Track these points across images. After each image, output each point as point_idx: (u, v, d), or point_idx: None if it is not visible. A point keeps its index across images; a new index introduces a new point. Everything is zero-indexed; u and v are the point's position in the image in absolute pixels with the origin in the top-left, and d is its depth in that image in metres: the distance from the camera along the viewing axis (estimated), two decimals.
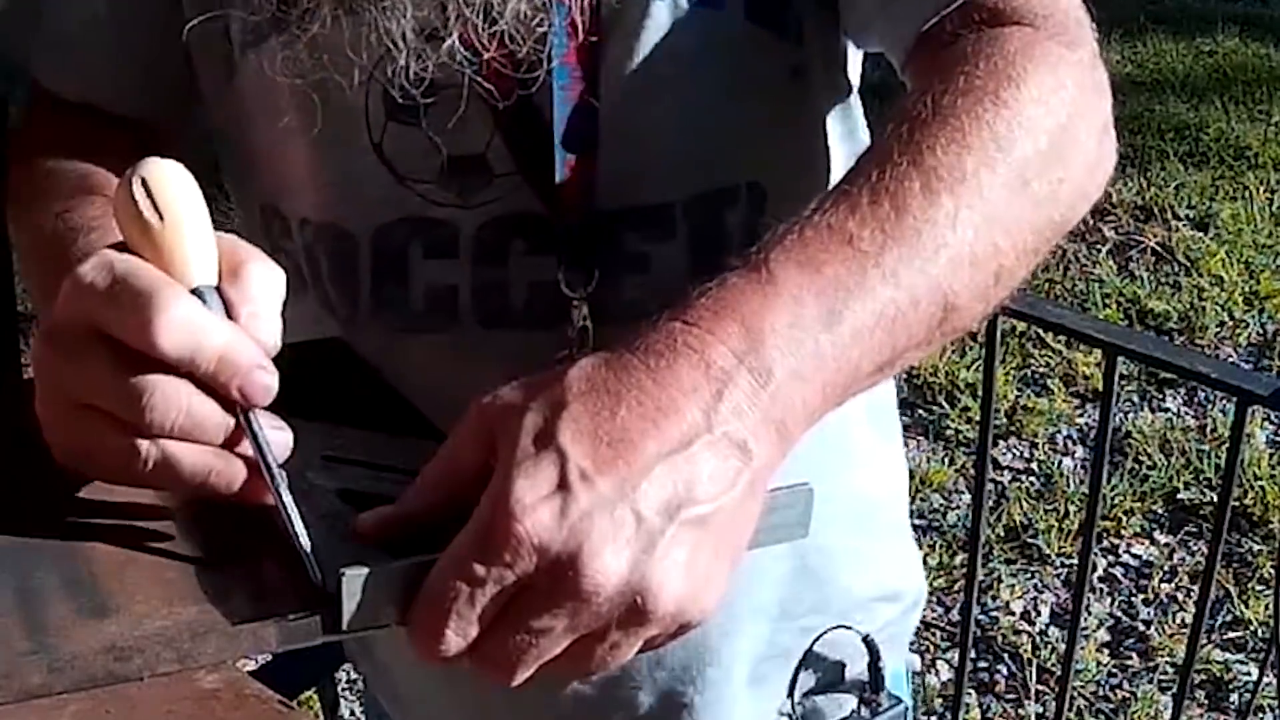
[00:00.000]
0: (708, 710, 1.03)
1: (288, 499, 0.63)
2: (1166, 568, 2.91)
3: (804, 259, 0.64)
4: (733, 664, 1.03)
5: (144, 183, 0.66)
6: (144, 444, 0.63)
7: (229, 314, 0.66)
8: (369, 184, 0.87)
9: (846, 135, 0.96)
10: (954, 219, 0.68)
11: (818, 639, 1.05)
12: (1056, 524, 3.00)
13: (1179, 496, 3.07)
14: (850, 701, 1.09)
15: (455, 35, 0.79)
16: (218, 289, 0.66)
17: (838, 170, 0.92)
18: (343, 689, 2.56)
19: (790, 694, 1.06)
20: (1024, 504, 3.07)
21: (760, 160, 0.89)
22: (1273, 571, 2.71)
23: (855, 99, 0.98)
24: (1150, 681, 2.63)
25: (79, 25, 0.93)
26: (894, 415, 1.13)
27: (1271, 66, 5.30)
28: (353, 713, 2.58)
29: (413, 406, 0.81)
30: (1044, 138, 0.74)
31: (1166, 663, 2.67)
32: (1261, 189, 4.32)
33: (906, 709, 1.09)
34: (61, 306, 0.64)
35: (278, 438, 0.65)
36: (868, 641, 1.07)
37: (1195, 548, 2.94)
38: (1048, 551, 2.93)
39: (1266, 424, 3.22)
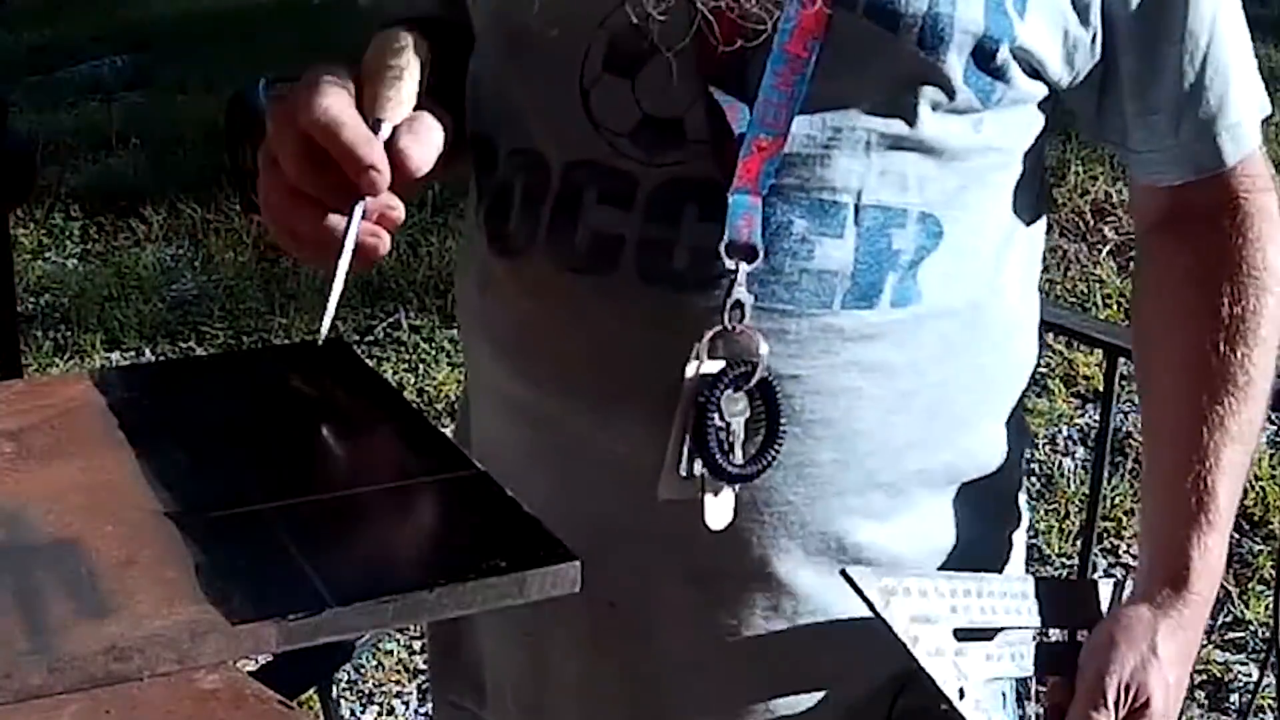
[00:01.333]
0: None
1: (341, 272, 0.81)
2: None
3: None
4: None
5: (385, 39, 0.88)
6: (333, 218, 0.82)
7: (392, 141, 0.84)
8: (571, 124, 0.93)
9: (1028, 190, 1.02)
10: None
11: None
12: (1057, 524, 3.00)
13: None
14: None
15: None
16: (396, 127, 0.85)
17: (1007, 216, 1.00)
18: (342, 689, 2.57)
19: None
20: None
21: (939, 194, 0.94)
22: (1273, 572, 2.71)
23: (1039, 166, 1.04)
24: None
25: None
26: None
27: (1271, 67, 5.30)
28: (353, 713, 2.58)
29: (411, 407, 0.81)
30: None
31: None
32: None
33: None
34: (284, 115, 0.83)
35: (367, 228, 0.83)
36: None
37: None
38: (1048, 552, 2.93)
39: (1267, 425, 3.22)
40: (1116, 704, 0.99)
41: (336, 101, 0.83)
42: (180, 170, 4.75)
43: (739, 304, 0.89)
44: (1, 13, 6.71)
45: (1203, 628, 1.04)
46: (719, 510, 0.92)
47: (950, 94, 0.91)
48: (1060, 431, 3.29)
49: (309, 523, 0.70)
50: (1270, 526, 2.98)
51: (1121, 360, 1.80)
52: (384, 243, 0.84)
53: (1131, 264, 3.95)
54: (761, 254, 0.90)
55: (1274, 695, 2.35)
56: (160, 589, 0.63)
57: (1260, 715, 2.46)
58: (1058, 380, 3.43)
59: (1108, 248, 4.05)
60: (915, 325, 0.94)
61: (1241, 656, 2.67)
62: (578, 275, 0.94)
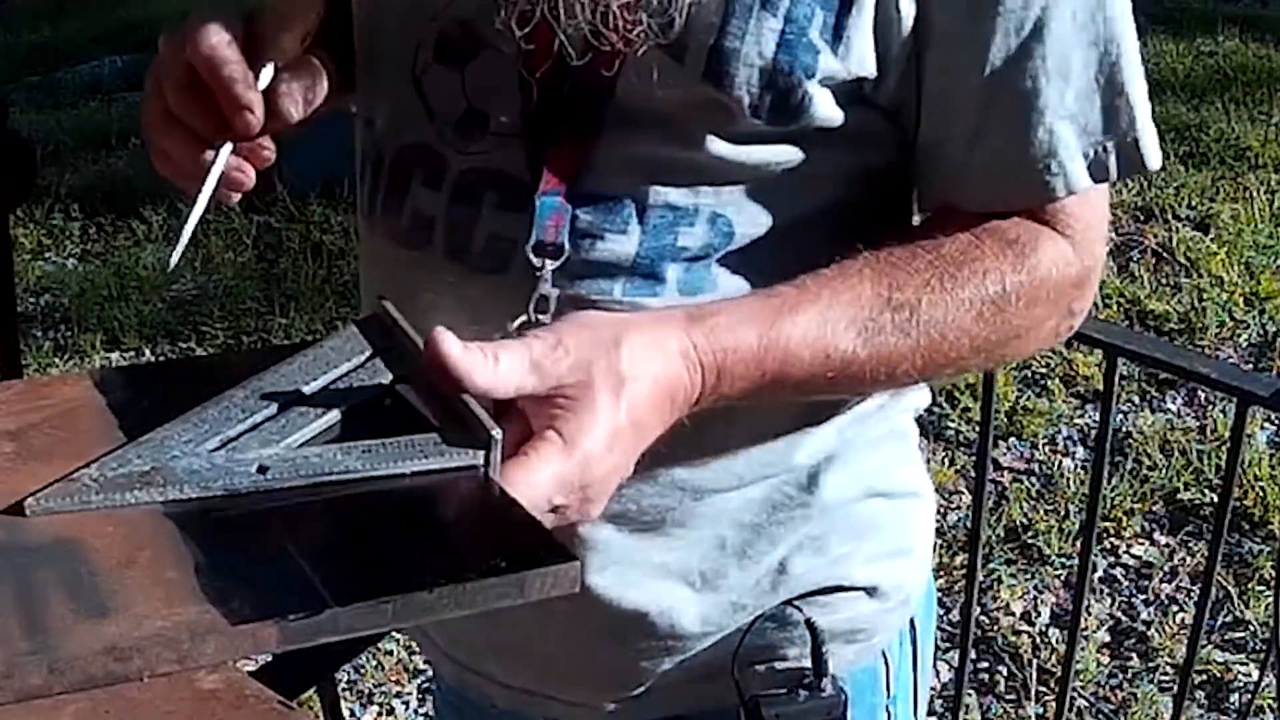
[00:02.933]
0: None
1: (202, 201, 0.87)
2: (1166, 568, 2.91)
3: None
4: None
5: None
6: (207, 153, 0.89)
7: (274, 85, 0.90)
8: (406, 108, 1.00)
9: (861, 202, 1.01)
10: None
11: (762, 617, 1.09)
12: (1057, 524, 3.00)
13: (1179, 497, 3.07)
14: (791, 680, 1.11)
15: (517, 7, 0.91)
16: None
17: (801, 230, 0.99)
18: (342, 689, 2.57)
19: (732, 671, 1.08)
20: (1024, 504, 3.07)
21: (725, 195, 0.96)
22: (1273, 572, 2.71)
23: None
24: (1150, 682, 2.63)
25: None
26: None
27: (1271, 67, 5.30)
28: (353, 713, 2.58)
29: (412, 406, 0.81)
30: (1014, 296, 0.97)
31: (1166, 663, 2.67)
32: (1261, 189, 4.32)
33: (843, 702, 1.09)
34: (172, 44, 0.90)
35: (234, 163, 0.90)
36: (810, 625, 1.08)
37: (1195, 548, 2.94)
38: (1048, 552, 2.93)
39: (1266, 424, 3.22)
40: None
41: (222, 39, 0.88)
42: None
43: (544, 298, 0.95)
44: (1, 13, 6.71)
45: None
46: None
47: (735, 123, 0.93)
48: (1060, 431, 3.29)
49: (309, 523, 0.70)
50: (1270, 526, 2.98)
51: (1121, 360, 1.80)
52: (249, 178, 0.91)
53: (1131, 264, 3.95)
54: (566, 252, 0.95)
55: (1274, 695, 2.36)
56: (160, 589, 0.63)
57: (1260, 715, 2.46)
58: (1057, 380, 3.43)
59: (1108, 248, 4.05)
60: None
61: (1241, 656, 2.67)
62: (405, 249, 1.02)
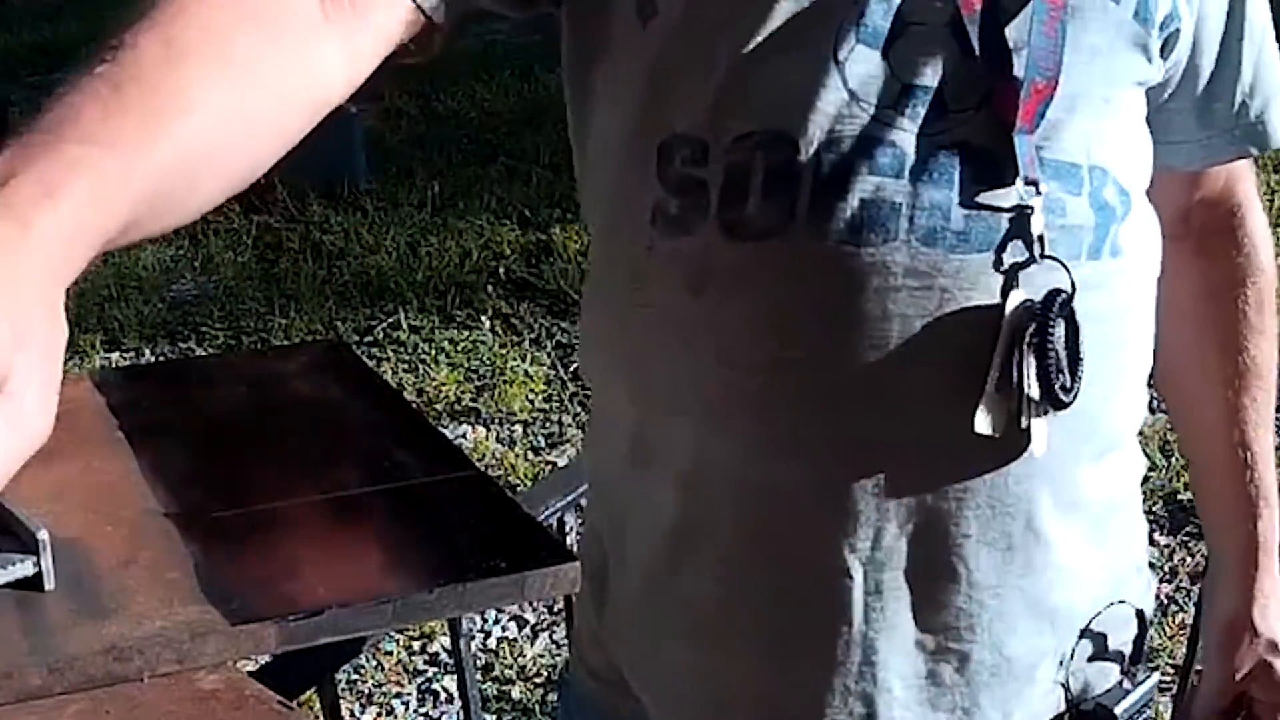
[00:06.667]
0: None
1: None
2: (1166, 568, 2.91)
3: None
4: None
5: None
6: None
7: None
8: (824, 96, 0.92)
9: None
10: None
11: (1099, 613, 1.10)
12: None
13: (1179, 497, 3.07)
14: (1113, 672, 1.12)
15: None
16: None
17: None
18: (342, 689, 2.57)
19: (1062, 663, 1.07)
20: None
21: (1122, 152, 1.00)
22: None
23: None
24: None
25: None
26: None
27: None
28: (352, 713, 2.58)
29: (411, 407, 0.81)
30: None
31: (1166, 663, 2.67)
32: (1261, 189, 4.32)
33: (1157, 683, 1.15)
34: None
35: None
36: (1140, 614, 1.13)
37: (1195, 548, 2.94)
38: None
39: None
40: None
41: None
42: None
43: (1040, 237, 0.92)
44: (1, 13, 6.71)
45: None
46: (1044, 437, 0.95)
47: (1149, 65, 0.98)
48: None
49: (309, 523, 0.70)
50: None
51: None
52: None
53: None
54: (1039, 206, 0.93)
55: None
56: (160, 589, 0.63)
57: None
58: None
59: None
60: (1122, 275, 1.00)
61: None
62: (853, 248, 0.92)
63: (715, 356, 0.96)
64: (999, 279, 0.92)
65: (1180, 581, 2.89)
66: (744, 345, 0.95)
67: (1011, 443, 0.94)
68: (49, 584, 0.65)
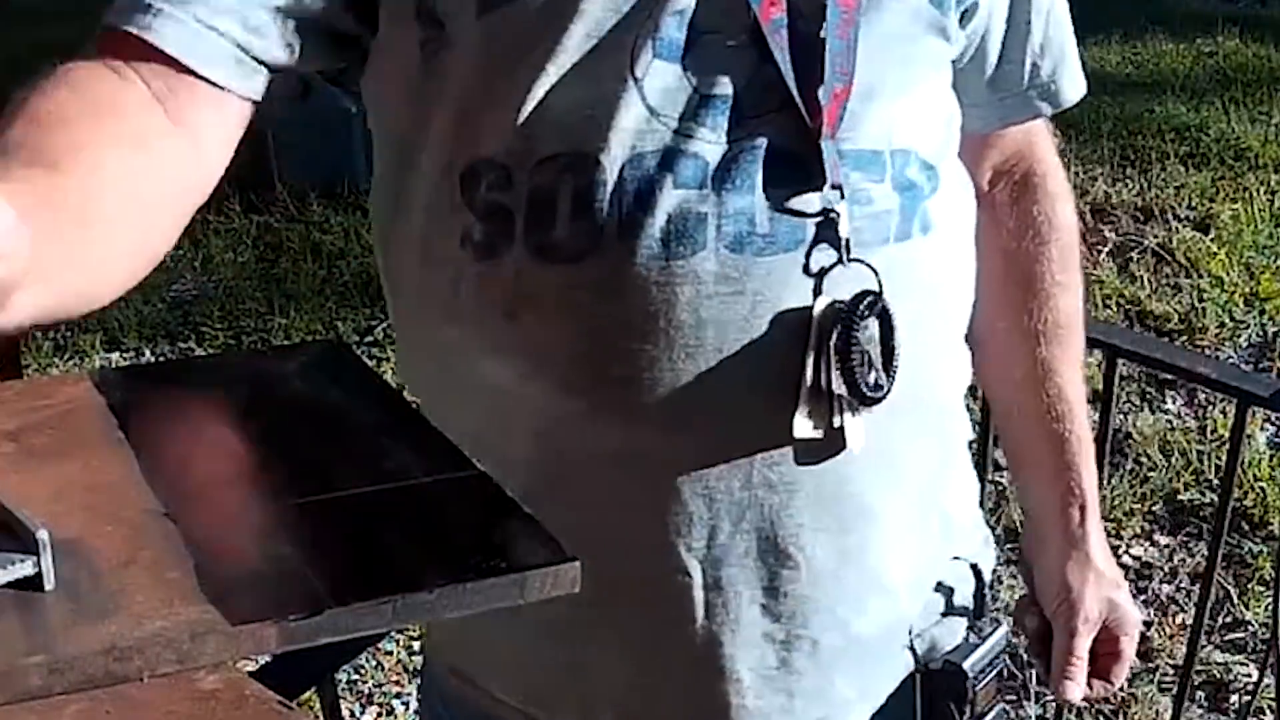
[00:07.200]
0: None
1: None
2: (1166, 569, 2.91)
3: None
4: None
5: None
6: None
7: None
8: (624, 114, 0.93)
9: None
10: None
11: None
12: None
13: (1179, 497, 3.07)
14: (960, 627, 1.16)
15: None
16: None
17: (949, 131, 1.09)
18: (342, 689, 2.57)
19: (910, 629, 1.11)
20: None
21: (923, 128, 1.02)
22: (1273, 572, 2.71)
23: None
24: (1150, 682, 2.63)
25: None
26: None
27: (1271, 67, 5.30)
28: (352, 714, 2.58)
29: (411, 407, 0.81)
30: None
31: (1166, 663, 2.67)
32: (1261, 189, 4.32)
33: (1008, 633, 1.19)
34: None
35: None
36: (975, 569, 1.17)
37: (1195, 549, 2.94)
38: None
39: (1266, 425, 3.22)
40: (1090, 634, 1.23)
41: None
42: None
43: (846, 241, 0.94)
44: (2, 13, 6.70)
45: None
46: (859, 435, 0.97)
47: (948, 44, 1.02)
48: None
49: (309, 523, 0.70)
50: (1270, 527, 2.98)
51: (1121, 361, 1.80)
52: None
53: (1131, 264, 3.95)
54: (846, 202, 0.95)
55: (1274, 696, 2.35)
56: (160, 589, 0.63)
57: (1260, 716, 2.46)
58: None
59: (1107, 248, 4.05)
60: (935, 249, 1.02)
61: (1241, 657, 2.67)
62: (663, 261, 0.93)
63: (537, 380, 0.96)
64: (810, 282, 0.94)
65: (1180, 582, 2.89)
66: (566, 367, 0.96)
67: (833, 438, 0.97)
68: (49, 584, 0.64)
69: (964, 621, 1.16)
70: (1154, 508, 3.05)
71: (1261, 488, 3.04)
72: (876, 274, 0.95)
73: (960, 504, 1.17)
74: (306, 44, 0.96)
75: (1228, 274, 3.87)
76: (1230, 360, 3.52)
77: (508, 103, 0.94)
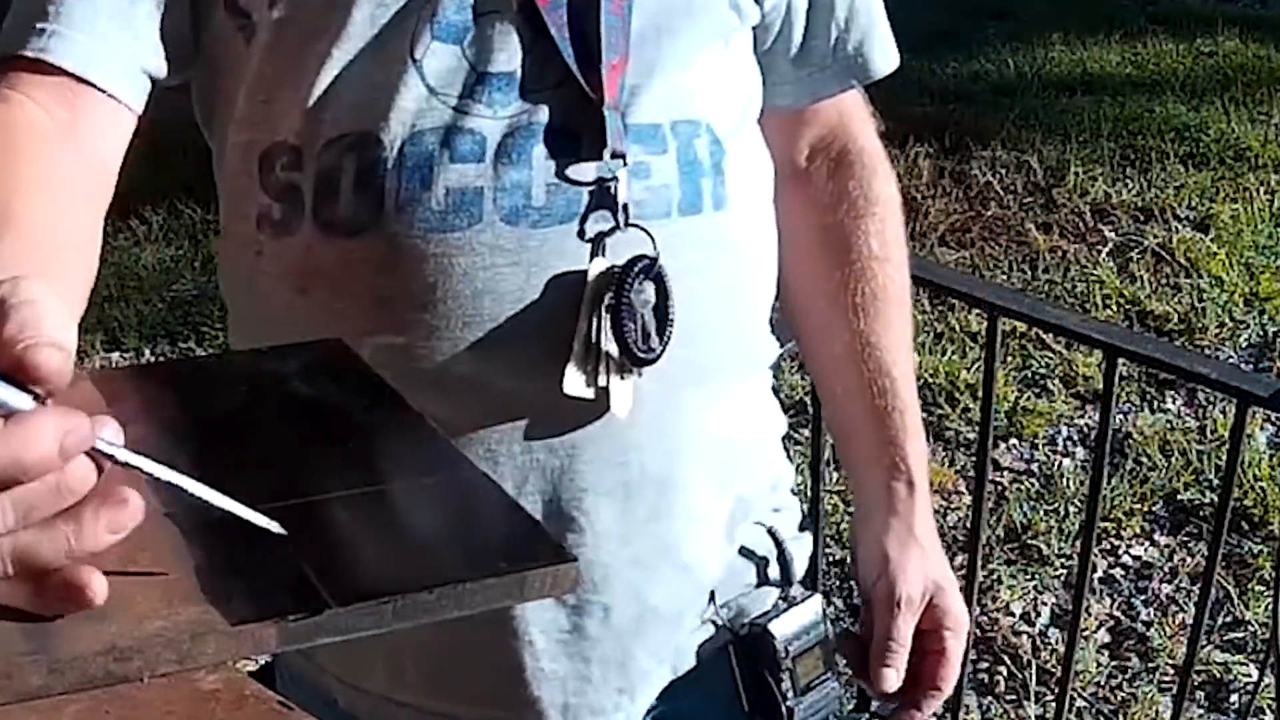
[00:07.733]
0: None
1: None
2: (1166, 569, 2.91)
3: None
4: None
5: None
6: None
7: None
8: (404, 95, 0.97)
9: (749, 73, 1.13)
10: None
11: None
12: (1056, 525, 3.00)
13: (1179, 497, 3.07)
14: (772, 595, 1.16)
15: None
16: None
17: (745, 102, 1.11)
18: None
19: (712, 599, 1.12)
20: (1024, 505, 3.07)
21: (713, 102, 1.04)
22: (1273, 572, 2.71)
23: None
24: (1150, 682, 2.63)
25: None
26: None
27: (1271, 67, 5.30)
28: None
29: (411, 407, 0.81)
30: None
31: (1166, 663, 2.67)
32: (1261, 190, 4.32)
33: (821, 603, 1.17)
34: None
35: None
36: (771, 533, 1.16)
37: (1195, 549, 2.94)
38: (1047, 552, 2.93)
39: (1266, 425, 3.22)
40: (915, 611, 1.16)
41: None
42: (180, 170, 4.76)
43: (624, 206, 0.98)
44: (1, 13, 6.70)
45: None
46: (625, 397, 1.00)
47: (739, 16, 1.05)
48: (1060, 432, 3.29)
49: (309, 523, 0.70)
50: (1270, 527, 2.98)
51: (1121, 361, 1.80)
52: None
53: (1131, 264, 3.95)
54: (627, 172, 0.98)
55: (1274, 695, 2.36)
56: (160, 589, 0.63)
57: (1260, 715, 2.46)
58: (1057, 381, 3.43)
59: (1107, 248, 4.05)
60: (727, 225, 1.05)
61: (1241, 657, 2.68)
62: (441, 234, 0.98)
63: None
64: (586, 248, 0.98)
65: (1180, 582, 2.89)
66: (352, 339, 0.96)
67: (601, 399, 1.00)
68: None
69: (776, 592, 1.16)
70: (1154, 508, 3.05)
71: (1261, 488, 3.04)
72: (653, 240, 0.98)
73: (768, 475, 1.18)
74: (176, 54, 1.01)
75: (1228, 274, 3.87)
76: (1230, 360, 3.52)
77: (298, 87, 0.99)
